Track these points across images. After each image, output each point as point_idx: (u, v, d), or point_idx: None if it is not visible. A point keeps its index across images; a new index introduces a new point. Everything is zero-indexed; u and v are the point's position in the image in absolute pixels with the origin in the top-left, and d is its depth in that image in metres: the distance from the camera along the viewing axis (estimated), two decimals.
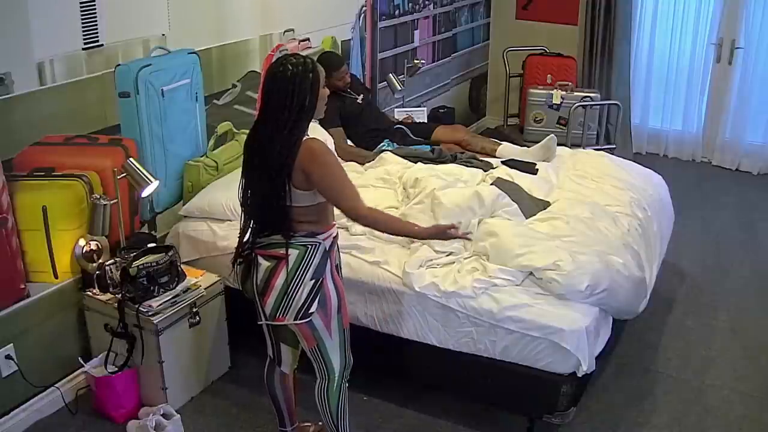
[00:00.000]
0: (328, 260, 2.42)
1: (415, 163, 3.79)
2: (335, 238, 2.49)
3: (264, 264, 2.39)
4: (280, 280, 2.35)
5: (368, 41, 4.88)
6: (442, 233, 2.49)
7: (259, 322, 2.50)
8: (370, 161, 3.92)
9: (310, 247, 2.37)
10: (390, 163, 3.84)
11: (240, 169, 3.69)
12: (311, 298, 2.37)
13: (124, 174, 3.08)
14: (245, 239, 2.46)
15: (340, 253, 2.64)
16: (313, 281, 2.37)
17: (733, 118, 5.91)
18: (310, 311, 2.38)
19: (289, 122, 2.26)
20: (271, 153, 2.28)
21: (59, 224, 2.99)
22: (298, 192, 2.31)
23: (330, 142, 3.89)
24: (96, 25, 2.99)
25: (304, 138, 2.29)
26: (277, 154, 2.27)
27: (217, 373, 3.34)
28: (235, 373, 3.38)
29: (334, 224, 2.49)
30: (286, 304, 2.37)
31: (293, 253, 2.35)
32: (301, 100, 2.26)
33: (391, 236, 3.19)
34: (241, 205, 2.44)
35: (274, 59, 2.36)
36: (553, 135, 4.12)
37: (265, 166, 2.30)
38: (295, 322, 2.39)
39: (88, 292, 3.11)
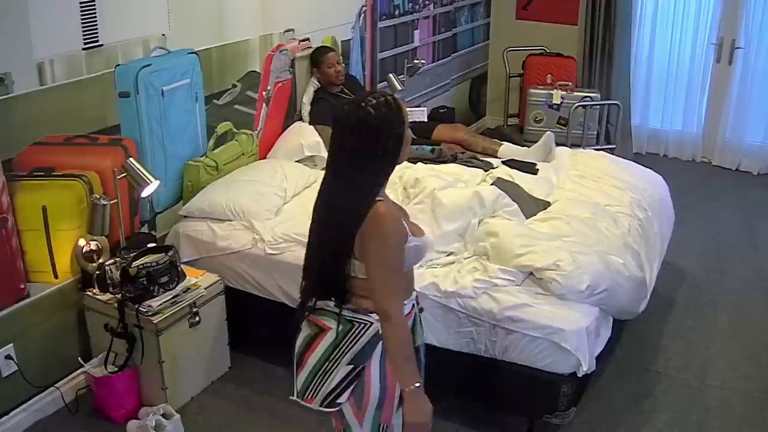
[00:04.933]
0: (379, 344, 2.00)
1: (415, 163, 3.79)
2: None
3: (305, 331, 2.05)
4: (314, 356, 2.01)
5: (368, 41, 4.88)
6: (423, 418, 2.01)
7: (290, 397, 2.11)
8: None
9: (357, 325, 1.99)
10: None
11: (240, 169, 3.76)
12: (344, 385, 1.99)
13: (124, 174, 3.08)
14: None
15: (422, 326, 2.23)
16: (351, 366, 1.98)
17: (733, 118, 5.91)
18: (338, 401, 2.00)
19: (367, 175, 1.92)
20: (341, 212, 1.94)
21: (59, 224, 2.99)
22: (356, 262, 1.96)
23: (320, 144, 3.89)
24: (96, 25, 2.99)
25: (379, 199, 1.94)
26: (348, 213, 1.92)
27: (217, 373, 3.34)
28: (235, 373, 3.38)
29: (403, 303, 2.03)
30: (316, 386, 2.01)
31: (335, 328, 1.99)
32: (383, 148, 1.91)
33: None
34: (304, 267, 2.10)
35: (349, 101, 1.97)
36: (550, 132, 4.12)
37: (332, 227, 1.96)
38: (321, 409, 2.03)
39: (88, 292, 3.11)
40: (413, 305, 2.12)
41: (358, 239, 1.91)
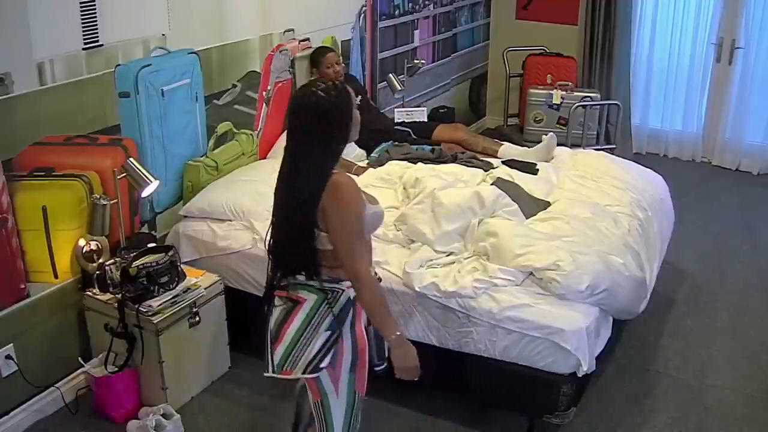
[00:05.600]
0: (351, 310, 2.16)
1: (416, 163, 3.79)
2: None
3: (279, 307, 2.17)
4: (293, 328, 2.12)
5: (368, 41, 4.88)
6: (409, 362, 2.17)
7: (265, 374, 2.20)
8: (357, 172, 3.84)
9: (330, 294, 2.13)
10: (390, 163, 3.85)
11: (240, 169, 3.76)
12: (324, 351, 2.11)
13: (124, 174, 3.09)
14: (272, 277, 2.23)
15: None
16: (329, 332, 2.11)
17: (733, 118, 5.91)
18: (321, 366, 2.11)
19: (322, 153, 2.06)
20: (300, 187, 2.08)
21: (59, 224, 2.99)
22: (321, 234, 2.09)
23: None
24: (96, 25, 3.00)
25: (335, 172, 2.08)
26: (306, 188, 2.06)
27: (217, 373, 3.34)
28: (235, 373, 3.38)
29: (369, 264, 2.21)
30: (296, 356, 2.11)
31: (310, 299, 2.13)
32: (335, 129, 2.07)
33: (388, 237, 3.19)
34: (268, 248, 2.22)
35: (299, 87, 2.16)
36: (552, 133, 4.12)
37: (293, 203, 2.10)
38: (302, 376, 2.14)
39: (88, 292, 3.11)
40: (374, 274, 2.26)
41: (320, 212, 2.06)
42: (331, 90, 2.06)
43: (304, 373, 2.12)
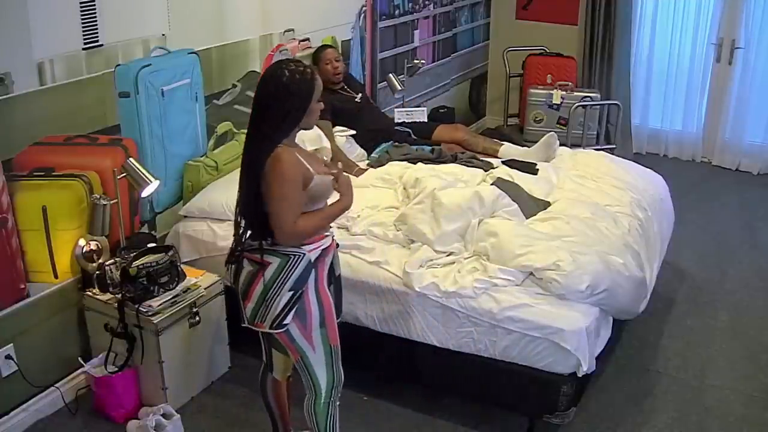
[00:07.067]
0: (312, 272, 2.34)
1: (416, 163, 3.79)
2: (327, 249, 2.40)
3: (247, 268, 2.34)
4: (259, 288, 2.30)
5: (368, 41, 4.88)
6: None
7: (242, 325, 2.45)
8: (357, 174, 3.84)
9: (292, 257, 2.29)
10: (390, 163, 3.85)
11: (239, 170, 3.75)
12: (287, 309, 2.30)
13: (124, 174, 3.09)
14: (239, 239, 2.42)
15: (338, 258, 2.56)
16: (292, 292, 2.29)
17: (733, 118, 5.91)
18: (284, 322, 2.31)
19: (272, 128, 2.21)
20: (249, 153, 2.25)
21: (59, 224, 2.99)
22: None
23: (321, 137, 3.86)
24: (96, 25, 3.00)
25: (280, 146, 2.23)
26: (255, 159, 2.22)
27: (217, 373, 3.34)
28: (235, 373, 3.38)
29: (326, 236, 2.41)
30: (263, 312, 2.31)
31: (274, 262, 2.29)
32: (289, 109, 2.20)
33: (388, 237, 3.19)
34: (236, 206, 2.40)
35: (274, 61, 2.29)
36: (553, 132, 4.12)
37: (245, 168, 2.28)
38: (270, 330, 2.34)
39: (88, 292, 3.11)
40: (332, 239, 2.46)
41: (262, 180, 2.21)
42: (297, 72, 2.19)
43: (270, 328, 2.33)
